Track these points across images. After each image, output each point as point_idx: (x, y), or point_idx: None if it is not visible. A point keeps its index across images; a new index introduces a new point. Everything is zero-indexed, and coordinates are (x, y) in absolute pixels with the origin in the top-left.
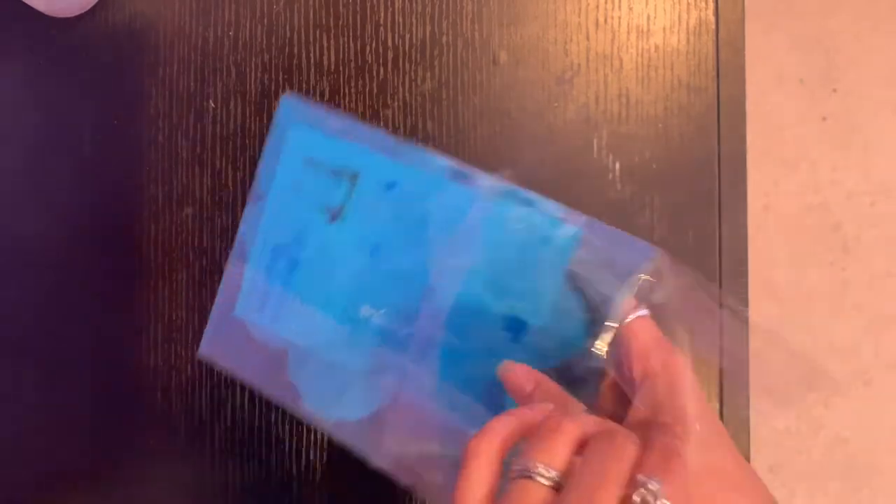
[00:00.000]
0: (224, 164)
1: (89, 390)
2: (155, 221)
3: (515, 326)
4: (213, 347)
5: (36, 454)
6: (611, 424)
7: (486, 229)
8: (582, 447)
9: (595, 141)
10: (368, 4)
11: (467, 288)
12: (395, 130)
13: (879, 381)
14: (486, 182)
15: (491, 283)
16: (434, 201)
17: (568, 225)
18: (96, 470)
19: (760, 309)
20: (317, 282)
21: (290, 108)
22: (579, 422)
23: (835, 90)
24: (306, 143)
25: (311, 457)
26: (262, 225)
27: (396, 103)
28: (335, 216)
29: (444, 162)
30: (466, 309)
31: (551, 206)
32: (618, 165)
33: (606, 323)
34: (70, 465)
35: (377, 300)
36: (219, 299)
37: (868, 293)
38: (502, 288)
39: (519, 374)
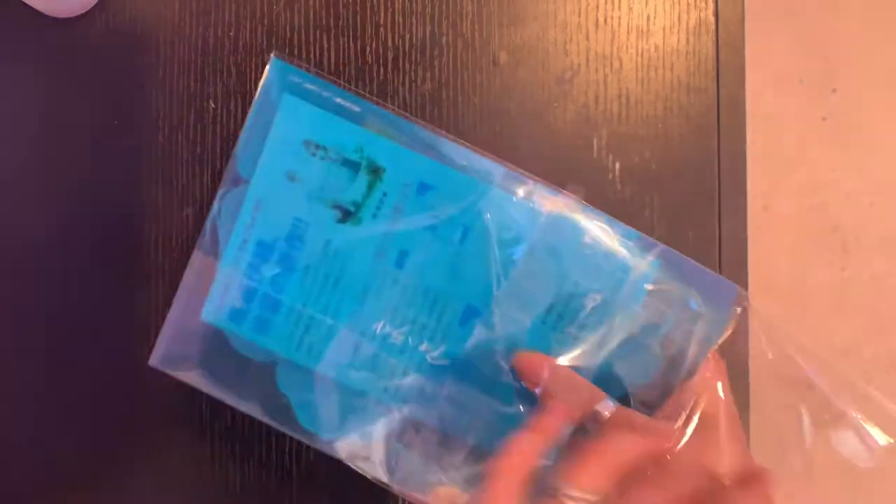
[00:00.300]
0: (224, 165)
1: (89, 390)
2: (155, 222)
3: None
4: (172, 354)
5: (36, 455)
6: (656, 431)
7: (555, 254)
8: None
9: (595, 141)
10: (368, 5)
11: (533, 321)
12: None
13: (879, 382)
14: (545, 194)
15: (557, 314)
16: (482, 213)
17: (646, 254)
18: (96, 470)
19: (760, 309)
20: (318, 288)
21: (283, 75)
22: (625, 443)
23: (834, 90)
24: (305, 122)
25: (311, 457)
26: (242, 215)
27: (396, 103)
28: (348, 215)
29: (492, 165)
30: (524, 341)
31: (623, 229)
32: (618, 165)
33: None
34: (70, 466)
35: (398, 317)
36: (179, 298)
37: (868, 293)
38: (567, 317)
39: (533, 360)
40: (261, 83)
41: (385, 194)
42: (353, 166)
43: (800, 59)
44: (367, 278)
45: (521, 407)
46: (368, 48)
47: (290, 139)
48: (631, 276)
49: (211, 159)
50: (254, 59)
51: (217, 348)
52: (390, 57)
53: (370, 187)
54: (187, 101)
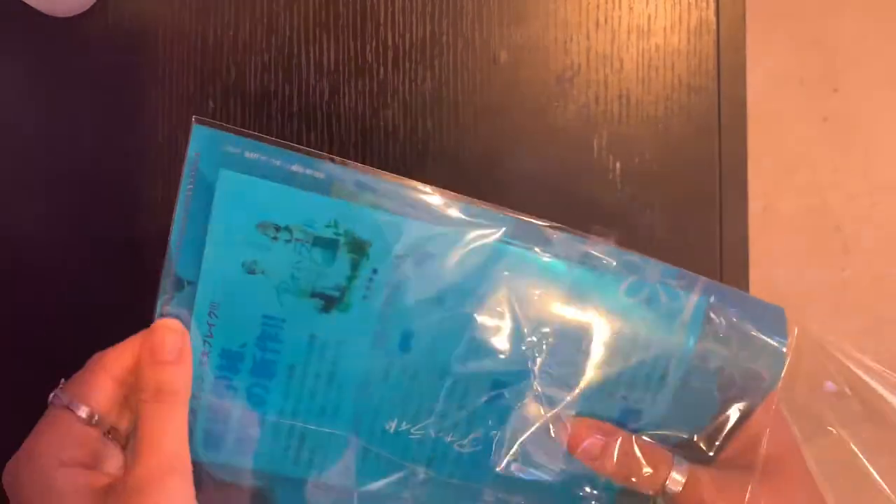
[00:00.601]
0: None
1: None
2: (155, 221)
3: (632, 418)
4: None
5: None
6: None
7: (591, 312)
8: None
9: (595, 141)
10: (368, 4)
11: (577, 386)
12: (395, 130)
13: None
14: (569, 243)
15: (604, 376)
16: (497, 276)
17: (690, 292)
18: None
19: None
20: (308, 392)
21: (212, 145)
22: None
23: (835, 90)
24: (256, 200)
25: None
26: (195, 325)
27: (396, 103)
28: (333, 302)
29: (501, 219)
30: (571, 410)
31: (663, 269)
32: (618, 165)
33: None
34: None
35: (411, 409)
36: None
37: (868, 293)
38: (615, 377)
39: (583, 433)
40: (186, 160)
41: (375, 271)
42: (328, 245)
43: (801, 59)
44: (368, 371)
45: (587, 488)
46: (368, 47)
47: (239, 224)
48: (679, 321)
49: None
50: (253, 59)
51: (195, 482)
52: (390, 56)
53: (355, 267)
54: (187, 100)
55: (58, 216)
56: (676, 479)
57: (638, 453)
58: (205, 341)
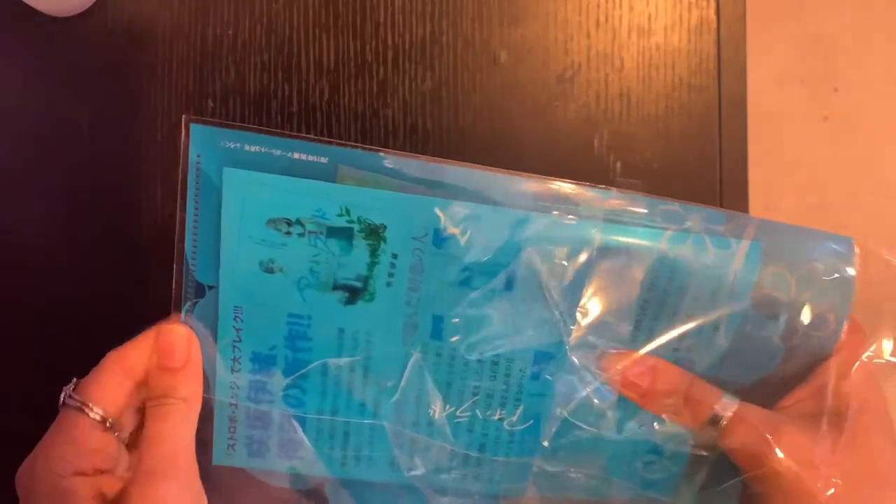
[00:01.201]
0: None
1: None
2: (154, 220)
3: (685, 367)
4: None
5: None
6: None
7: (633, 261)
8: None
9: (596, 140)
10: (368, 3)
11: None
12: (395, 130)
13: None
14: (594, 198)
15: (649, 330)
16: (522, 248)
17: (743, 241)
18: None
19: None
20: (345, 387)
21: (211, 143)
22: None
23: (836, 90)
24: (263, 196)
25: None
26: (221, 331)
27: (396, 103)
28: (356, 293)
29: (517, 183)
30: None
31: (707, 213)
32: (619, 165)
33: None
34: None
35: (454, 392)
36: None
37: None
38: (666, 336)
39: (630, 367)
40: (183, 162)
41: (395, 256)
42: (343, 234)
43: (801, 58)
44: (403, 359)
45: (652, 457)
46: (368, 47)
47: (251, 223)
48: (730, 270)
49: None
50: (253, 58)
51: (243, 491)
52: (390, 56)
53: (373, 253)
54: (186, 100)
55: (57, 216)
56: (723, 413)
57: (684, 386)
58: (234, 347)
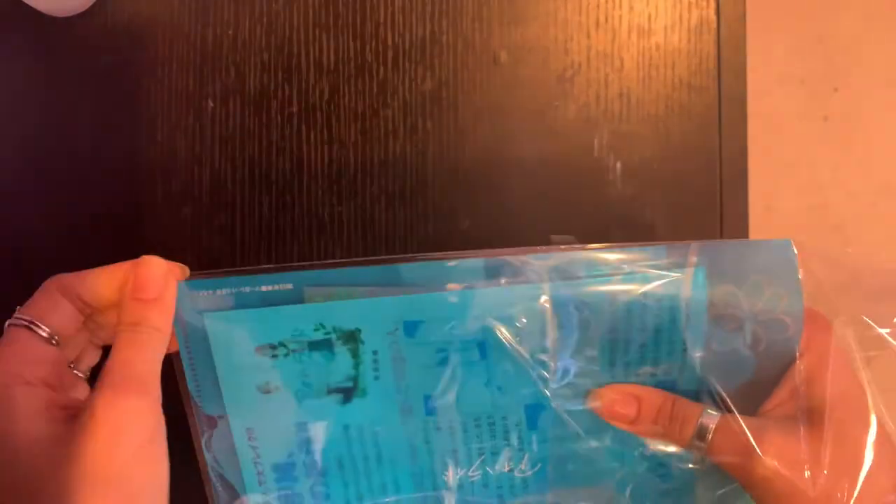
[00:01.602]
0: (223, 164)
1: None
2: (153, 220)
3: (666, 389)
4: None
5: None
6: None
7: (592, 312)
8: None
9: (596, 140)
10: (368, 3)
11: (603, 380)
12: (395, 130)
13: None
14: (537, 262)
15: (625, 364)
16: (483, 319)
17: (684, 262)
18: None
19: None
20: (364, 475)
21: (186, 296)
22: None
23: (836, 90)
24: (244, 330)
25: None
26: (240, 451)
27: (396, 103)
28: (350, 392)
29: (465, 264)
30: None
31: (649, 251)
32: (619, 165)
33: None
34: None
35: (463, 456)
36: None
37: None
38: (639, 366)
39: (615, 399)
40: (176, 314)
41: (375, 352)
42: (324, 345)
43: (801, 58)
44: (409, 439)
45: (660, 471)
46: (368, 47)
47: (240, 355)
48: (682, 298)
49: (210, 158)
50: (253, 58)
51: None
52: (390, 56)
53: (355, 354)
54: (186, 100)
55: (57, 216)
56: (708, 426)
57: (668, 407)
58: (255, 463)
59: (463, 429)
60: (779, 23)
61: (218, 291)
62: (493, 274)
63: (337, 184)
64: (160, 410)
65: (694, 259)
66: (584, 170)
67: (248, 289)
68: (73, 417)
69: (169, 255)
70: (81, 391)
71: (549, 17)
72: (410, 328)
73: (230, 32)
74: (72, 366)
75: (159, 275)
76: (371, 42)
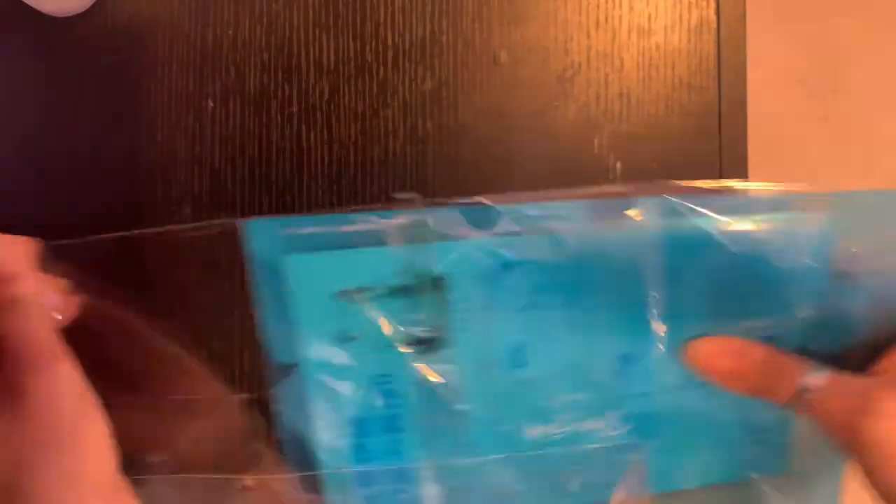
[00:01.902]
0: (223, 164)
1: None
2: (153, 221)
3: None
4: None
5: None
6: None
7: (697, 270)
8: None
9: (596, 140)
10: (368, 3)
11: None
12: (395, 130)
13: None
14: (647, 203)
15: (736, 322)
16: (587, 261)
17: (811, 215)
18: None
19: None
20: (441, 433)
21: (268, 234)
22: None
23: (835, 90)
24: (326, 273)
25: None
26: (313, 403)
27: (396, 103)
28: (431, 343)
29: (568, 206)
30: None
31: (766, 200)
32: (619, 165)
33: None
34: None
35: (547, 415)
36: None
37: None
38: (745, 318)
39: (714, 352)
40: (245, 257)
41: (461, 299)
42: (407, 291)
43: (801, 58)
44: (493, 393)
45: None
46: (368, 47)
47: (319, 300)
48: (802, 250)
49: (210, 158)
50: (253, 58)
51: None
52: (390, 56)
53: (439, 302)
54: (186, 100)
55: (56, 216)
56: (812, 385)
57: (771, 362)
58: (329, 416)
59: (551, 381)
60: (779, 23)
61: (300, 230)
62: (594, 215)
63: (337, 184)
64: (76, 368)
65: (823, 206)
66: (584, 170)
67: (330, 228)
68: None
69: (169, 254)
70: None
71: (549, 17)
72: (501, 272)
73: (230, 32)
74: None
75: (12, 249)
76: (371, 42)
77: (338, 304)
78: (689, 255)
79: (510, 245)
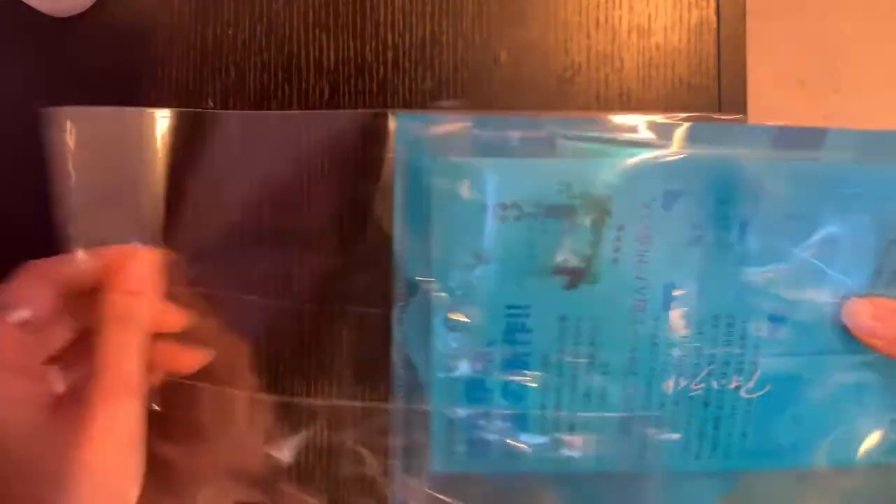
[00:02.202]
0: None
1: None
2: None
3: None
4: None
5: None
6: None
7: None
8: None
9: None
10: (368, 3)
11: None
12: None
13: None
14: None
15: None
16: (759, 191)
17: None
18: None
19: None
20: (568, 378)
21: (416, 132)
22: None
23: (836, 91)
24: (474, 183)
25: None
26: (436, 329)
27: (396, 103)
28: (578, 275)
29: (754, 129)
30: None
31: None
32: None
33: None
34: None
35: (688, 368)
36: (395, 454)
37: None
38: None
39: (876, 314)
40: (392, 154)
41: (621, 227)
42: (564, 212)
43: (801, 58)
44: (633, 338)
45: None
46: (368, 47)
47: (464, 212)
48: None
49: None
50: (253, 58)
51: (464, 496)
52: (390, 56)
53: (597, 229)
54: (186, 100)
55: (56, 216)
56: None
57: None
58: (449, 345)
59: (698, 329)
60: (779, 23)
61: (454, 131)
62: (782, 144)
63: None
64: (144, 405)
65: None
66: None
67: (489, 132)
68: (53, 406)
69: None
70: (54, 378)
71: (549, 17)
72: (669, 199)
73: (230, 32)
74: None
75: (146, 267)
76: (371, 42)
77: (483, 219)
78: (860, 205)
79: (682, 170)
